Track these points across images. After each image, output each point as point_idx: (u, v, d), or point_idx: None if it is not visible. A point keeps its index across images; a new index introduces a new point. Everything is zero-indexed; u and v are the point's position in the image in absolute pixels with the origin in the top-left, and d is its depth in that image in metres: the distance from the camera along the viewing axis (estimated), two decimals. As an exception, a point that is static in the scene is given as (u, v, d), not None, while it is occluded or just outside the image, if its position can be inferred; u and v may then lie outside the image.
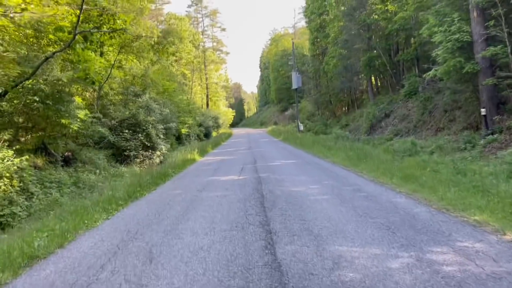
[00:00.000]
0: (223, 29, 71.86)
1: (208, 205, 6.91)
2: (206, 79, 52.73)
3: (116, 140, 14.07)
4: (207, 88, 52.96)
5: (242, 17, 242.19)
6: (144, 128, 15.23)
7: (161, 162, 16.67)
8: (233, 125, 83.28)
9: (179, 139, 25.17)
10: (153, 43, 19.59)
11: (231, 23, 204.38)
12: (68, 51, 12.61)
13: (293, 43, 36.97)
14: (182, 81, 31.08)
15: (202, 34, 56.18)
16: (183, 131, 23.33)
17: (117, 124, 14.72)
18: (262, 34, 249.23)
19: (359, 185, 8.22)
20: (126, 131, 14.31)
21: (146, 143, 15.17)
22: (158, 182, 10.28)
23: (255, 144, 25.73)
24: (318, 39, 41.79)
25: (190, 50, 37.47)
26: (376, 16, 26.08)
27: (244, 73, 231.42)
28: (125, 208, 7.27)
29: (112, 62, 14.15)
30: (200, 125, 32.82)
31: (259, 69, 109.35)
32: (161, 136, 16.79)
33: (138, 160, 14.59)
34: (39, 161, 9.32)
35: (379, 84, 31.45)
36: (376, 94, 29.94)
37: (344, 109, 43.41)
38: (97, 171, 11.54)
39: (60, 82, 8.93)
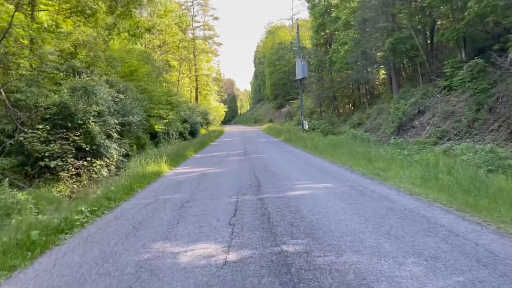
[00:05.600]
0: (216, 18, 66.12)
1: None
2: (196, 70, 46.97)
3: (28, 142, 8.41)
4: (196, 80, 47.17)
5: (236, 14, 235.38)
6: (81, 122, 9.56)
7: (115, 173, 11.10)
8: (225, 122, 78.52)
9: (156, 138, 19.54)
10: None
11: (224, 19, 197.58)
12: None
13: (297, 24, 31.41)
14: (163, 67, 25.30)
15: (192, 20, 50.25)
16: (157, 127, 17.62)
17: (33, 115, 9.04)
18: (257, 30, 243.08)
19: None
20: (41, 126, 8.59)
21: (84, 146, 9.51)
22: (14, 265, 4.12)
23: (251, 147, 20.11)
24: (324, 25, 36.46)
25: (175, 33, 31.74)
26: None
27: (237, 70, 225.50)
28: None
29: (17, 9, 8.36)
30: (185, 121, 27.10)
31: (253, 65, 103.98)
32: (115, 136, 11.12)
33: (67, 174, 8.93)
34: None
35: (402, 74, 26.10)
36: (399, 86, 24.60)
37: (349, 106, 38.38)
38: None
39: None
